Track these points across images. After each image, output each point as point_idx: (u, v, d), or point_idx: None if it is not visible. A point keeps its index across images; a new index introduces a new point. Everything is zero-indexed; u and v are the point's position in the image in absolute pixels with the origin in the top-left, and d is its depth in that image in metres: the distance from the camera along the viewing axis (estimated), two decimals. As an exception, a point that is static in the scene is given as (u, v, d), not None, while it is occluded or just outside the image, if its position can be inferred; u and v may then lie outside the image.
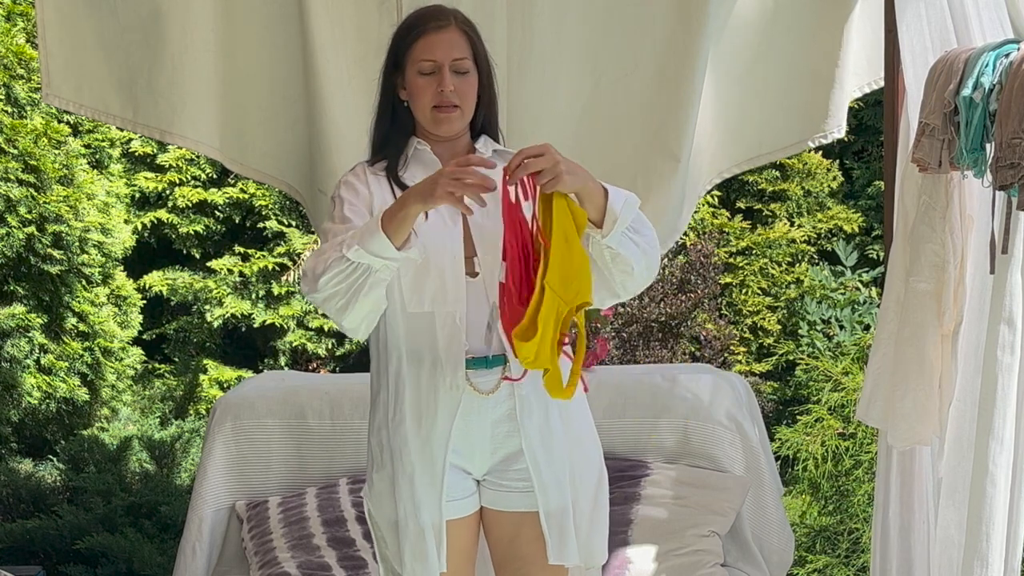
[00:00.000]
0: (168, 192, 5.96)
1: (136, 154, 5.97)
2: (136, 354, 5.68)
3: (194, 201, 5.94)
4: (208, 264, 5.96)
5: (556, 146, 3.28)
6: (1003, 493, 2.42)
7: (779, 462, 3.95)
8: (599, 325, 3.78)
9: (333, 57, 3.20)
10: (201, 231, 6.00)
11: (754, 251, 6.07)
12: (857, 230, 6.16)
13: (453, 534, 2.34)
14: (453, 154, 2.35)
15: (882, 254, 4.65)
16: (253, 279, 5.90)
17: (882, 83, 3.35)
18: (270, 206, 5.94)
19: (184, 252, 6.03)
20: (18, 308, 5.06)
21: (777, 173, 6.22)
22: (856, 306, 5.64)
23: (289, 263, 5.92)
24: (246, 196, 5.97)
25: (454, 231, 2.29)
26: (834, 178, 6.30)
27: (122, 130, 5.83)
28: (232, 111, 3.28)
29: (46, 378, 5.12)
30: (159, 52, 3.19)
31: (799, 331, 5.75)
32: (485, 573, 2.53)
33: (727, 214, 6.21)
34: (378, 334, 2.35)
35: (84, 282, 5.32)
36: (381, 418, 2.35)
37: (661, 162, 3.31)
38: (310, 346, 5.90)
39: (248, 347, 6.11)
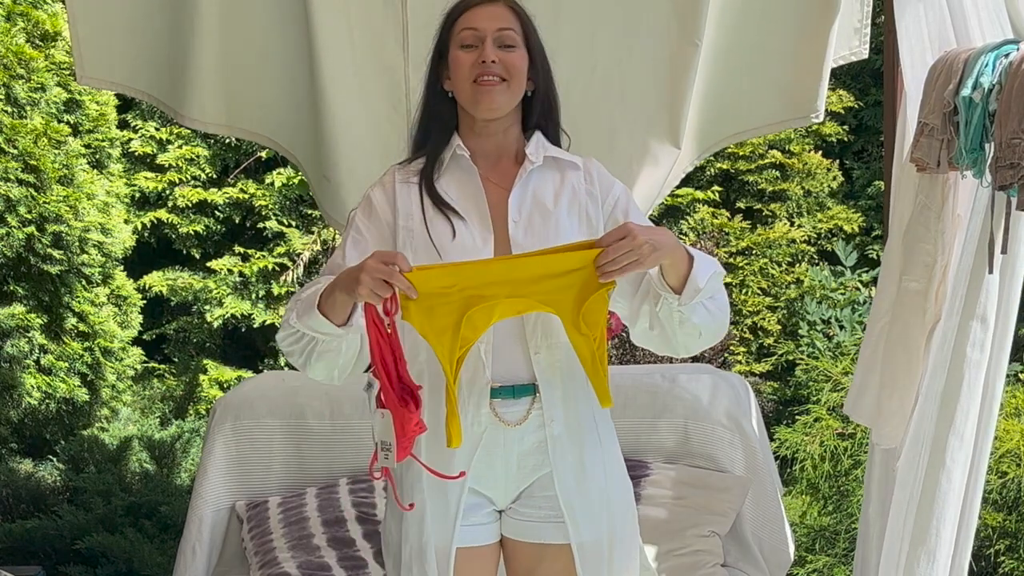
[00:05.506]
0: (168, 192, 5.97)
1: (136, 154, 5.97)
2: (136, 354, 5.68)
3: (194, 201, 5.94)
4: (208, 264, 5.96)
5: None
6: (957, 490, 2.40)
7: (778, 462, 3.95)
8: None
9: (336, 50, 3.22)
10: (201, 231, 5.99)
11: (754, 251, 6.07)
12: (857, 230, 6.16)
13: (471, 564, 2.18)
14: (497, 161, 2.18)
15: (882, 254, 4.64)
16: (253, 279, 5.90)
17: (851, 58, 3.39)
18: (270, 206, 5.94)
19: (184, 252, 6.03)
20: (18, 308, 5.05)
21: (777, 173, 6.22)
22: (856, 306, 5.63)
23: (289, 263, 5.92)
24: (246, 196, 5.96)
25: (484, 253, 2.12)
26: (834, 178, 6.29)
27: (121, 129, 5.84)
28: (240, 89, 3.33)
29: (46, 378, 5.11)
30: (173, 35, 3.27)
31: (799, 331, 5.74)
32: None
33: (727, 214, 6.20)
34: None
35: (84, 282, 5.32)
36: None
37: (658, 147, 3.33)
38: (310, 346, 5.89)
39: (248, 347, 6.11)
